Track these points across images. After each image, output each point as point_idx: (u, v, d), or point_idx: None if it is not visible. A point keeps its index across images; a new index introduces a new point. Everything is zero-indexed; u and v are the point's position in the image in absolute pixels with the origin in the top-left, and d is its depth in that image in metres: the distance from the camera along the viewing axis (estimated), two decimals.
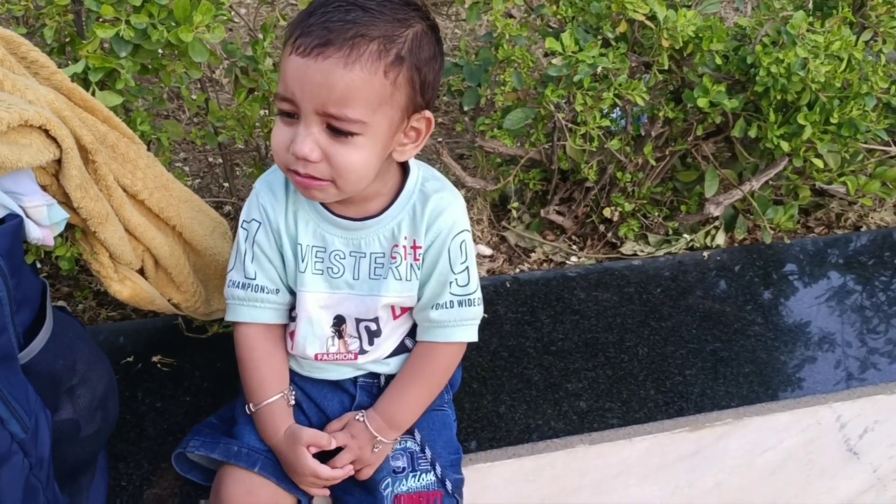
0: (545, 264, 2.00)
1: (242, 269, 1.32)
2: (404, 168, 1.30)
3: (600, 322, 1.78)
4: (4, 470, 1.11)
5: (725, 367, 1.71)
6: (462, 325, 1.32)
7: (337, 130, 1.13)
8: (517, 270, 1.98)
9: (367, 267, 1.29)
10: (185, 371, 1.61)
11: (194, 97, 1.69)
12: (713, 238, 2.02)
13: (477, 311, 1.33)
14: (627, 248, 2.00)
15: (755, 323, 1.82)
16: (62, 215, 1.29)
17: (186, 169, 2.17)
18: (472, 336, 1.35)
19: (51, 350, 1.23)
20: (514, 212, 2.00)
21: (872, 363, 1.75)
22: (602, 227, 2.02)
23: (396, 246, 1.28)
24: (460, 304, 1.31)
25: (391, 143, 1.19)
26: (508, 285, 1.86)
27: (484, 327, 1.73)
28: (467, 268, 1.31)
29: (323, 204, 1.27)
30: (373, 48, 1.10)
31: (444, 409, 1.45)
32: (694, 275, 1.93)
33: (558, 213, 2.02)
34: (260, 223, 1.30)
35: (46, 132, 1.22)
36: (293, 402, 1.35)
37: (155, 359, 1.62)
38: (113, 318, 1.77)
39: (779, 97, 1.75)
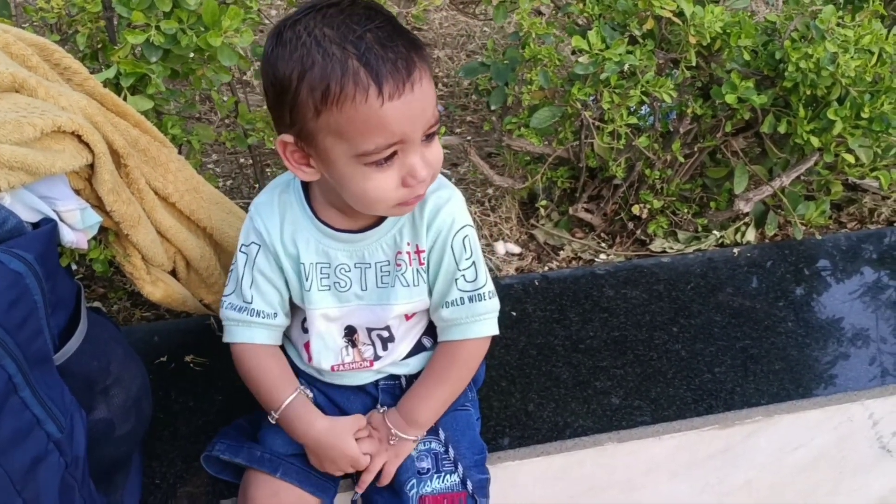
0: (574, 262, 2.00)
1: (240, 293, 1.32)
2: None
3: (629, 320, 1.78)
4: (41, 469, 1.13)
5: (755, 364, 1.70)
6: (477, 321, 1.32)
7: (430, 136, 1.15)
8: (546, 268, 1.98)
9: (373, 277, 1.30)
10: (218, 370, 1.63)
11: (225, 99, 1.71)
12: (743, 234, 2.01)
13: (490, 305, 1.32)
14: (657, 245, 1.99)
15: (786, 320, 1.80)
16: (95, 219, 1.32)
17: (217, 171, 2.20)
18: (490, 330, 1.34)
19: (85, 351, 1.26)
20: (542, 210, 2.00)
21: None
22: (631, 225, 2.02)
23: (400, 253, 1.29)
24: (471, 299, 1.31)
25: None
26: (537, 283, 1.86)
27: (512, 325, 1.75)
28: (473, 262, 1.30)
29: (322, 220, 1.27)
30: (423, 53, 1.13)
31: (468, 409, 1.45)
32: (724, 272, 1.92)
33: (587, 210, 2.02)
34: (259, 245, 1.30)
35: (79, 137, 1.25)
36: (311, 395, 1.35)
37: (188, 358, 1.65)
38: (147, 319, 1.80)
39: (808, 92, 1.74)
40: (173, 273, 1.52)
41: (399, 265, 1.29)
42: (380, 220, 1.28)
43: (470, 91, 2.53)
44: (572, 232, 2.05)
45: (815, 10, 1.75)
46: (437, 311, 1.34)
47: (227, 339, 1.36)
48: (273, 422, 1.34)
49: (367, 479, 1.34)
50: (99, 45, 1.51)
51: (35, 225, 1.21)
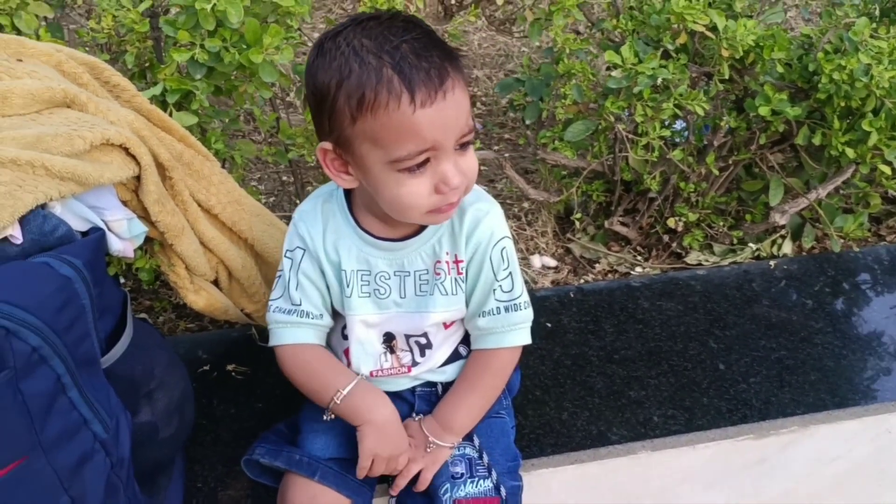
0: (610, 275, 2.02)
1: (288, 296, 1.36)
2: None
3: (664, 331, 1.80)
4: (87, 468, 1.18)
5: (791, 375, 1.70)
6: (512, 330, 1.35)
7: (463, 145, 1.19)
8: (581, 281, 2.00)
9: (412, 285, 1.33)
10: (258, 379, 1.68)
11: (266, 117, 1.76)
12: (780, 247, 2.01)
13: (525, 315, 1.36)
14: (692, 258, 2.01)
15: (823, 332, 1.80)
16: (141, 229, 1.37)
17: (261, 188, 2.26)
18: (524, 340, 1.37)
19: (131, 356, 1.31)
20: (577, 223, 2.02)
21: None
22: (667, 238, 2.03)
23: (439, 262, 1.32)
24: (507, 309, 1.34)
25: None
26: (572, 295, 1.88)
27: (547, 336, 1.77)
28: (510, 273, 1.33)
29: (364, 229, 1.31)
30: (457, 64, 1.17)
31: (502, 416, 1.47)
32: (760, 283, 1.92)
33: (622, 224, 2.04)
34: (304, 250, 1.35)
35: (126, 150, 1.31)
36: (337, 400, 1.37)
37: (230, 367, 1.69)
38: (191, 330, 1.85)
39: (842, 104, 1.75)
40: (216, 283, 1.56)
41: (438, 274, 1.32)
42: (420, 229, 1.31)
43: (507, 109, 2.57)
44: (608, 245, 2.07)
45: (848, 23, 1.76)
46: (473, 319, 1.37)
47: (274, 342, 1.39)
48: (328, 418, 1.35)
49: (401, 483, 1.37)
50: (146, 64, 1.58)
51: (84, 234, 1.26)
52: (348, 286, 1.33)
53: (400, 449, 1.34)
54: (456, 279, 1.33)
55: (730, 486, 1.68)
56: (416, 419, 1.38)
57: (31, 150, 1.18)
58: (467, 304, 1.36)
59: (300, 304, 1.36)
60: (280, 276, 1.38)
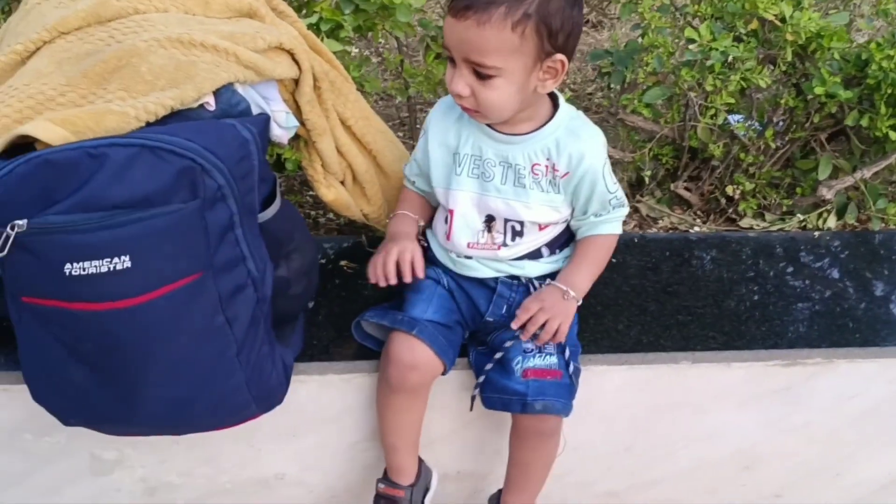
0: (671, 231, 2.30)
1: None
2: (556, 102, 1.64)
3: (713, 274, 2.06)
4: (240, 297, 1.47)
5: (822, 318, 1.95)
6: (616, 220, 1.71)
7: (480, 74, 1.48)
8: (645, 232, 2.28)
9: (512, 175, 1.63)
10: (365, 275, 1.99)
11: (392, 58, 2.09)
12: (825, 221, 2.27)
13: (624, 210, 1.71)
14: (745, 222, 2.27)
15: (855, 290, 2.04)
16: (295, 122, 1.70)
17: None
18: (620, 229, 1.73)
19: (278, 218, 1.62)
20: (646, 180, 2.30)
21: None
22: (724, 202, 2.30)
23: (537, 164, 1.62)
24: (614, 207, 1.68)
25: (529, 81, 1.51)
26: (636, 241, 2.16)
27: (612, 269, 2.04)
28: (615, 183, 1.66)
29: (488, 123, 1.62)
30: (501, 10, 1.42)
31: None
32: (803, 248, 2.18)
33: (686, 189, 2.32)
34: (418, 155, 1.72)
35: (292, 56, 1.64)
36: (423, 243, 1.73)
37: (342, 263, 2.01)
38: (314, 232, 2.17)
39: (890, 91, 2.00)
40: (342, 184, 1.89)
41: (536, 174, 1.62)
42: (529, 132, 1.61)
43: (593, 95, 2.86)
44: (672, 208, 2.35)
45: None
46: (588, 218, 1.68)
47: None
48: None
49: (531, 329, 1.64)
50: (305, 0, 1.92)
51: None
52: (460, 165, 1.64)
53: (390, 244, 1.68)
54: (551, 181, 1.62)
55: (758, 409, 1.93)
56: (546, 283, 1.69)
57: (226, 41, 1.52)
58: (583, 212, 1.67)
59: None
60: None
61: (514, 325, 1.63)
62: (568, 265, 1.71)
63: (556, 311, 1.63)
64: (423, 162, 1.71)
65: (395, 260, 1.65)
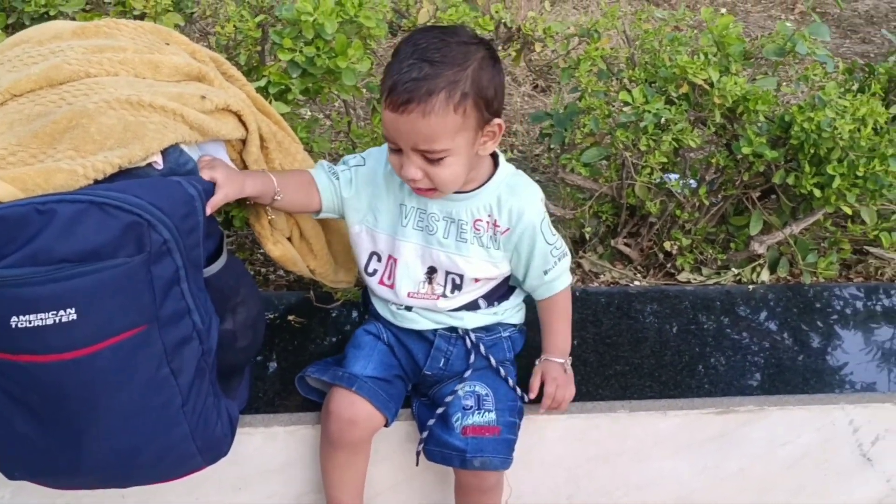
0: (612, 285, 2.38)
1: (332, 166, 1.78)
2: (496, 161, 1.72)
3: (651, 326, 2.14)
4: (186, 348, 1.51)
5: (755, 368, 2.03)
6: (565, 272, 1.78)
7: (430, 158, 1.56)
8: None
9: (455, 230, 1.70)
10: (313, 328, 2.04)
11: (340, 119, 2.17)
12: (758, 274, 2.36)
13: (569, 259, 1.79)
14: (683, 276, 2.36)
15: (787, 338, 2.14)
16: None
17: None
18: (570, 277, 1.82)
19: (224, 273, 1.67)
20: (588, 236, 2.39)
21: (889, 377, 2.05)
22: (662, 258, 2.39)
23: (479, 220, 1.69)
24: (557, 258, 1.75)
25: (473, 149, 1.60)
26: (578, 294, 2.24)
27: None
28: (554, 234, 1.74)
29: None
30: (441, 97, 1.50)
31: (507, 367, 1.82)
32: (738, 300, 2.27)
33: (626, 244, 2.41)
34: (363, 167, 1.76)
35: (239, 117, 1.71)
36: (277, 198, 1.69)
37: (290, 317, 2.06)
38: (263, 288, 2.23)
39: (812, 151, 2.12)
40: (289, 240, 1.94)
41: (477, 229, 1.70)
42: (471, 190, 1.68)
43: (535, 137, 2.96)
44: (613, 263, 2.43)
45: (821, 85, 2.14)
46: (539, 278, 1.75)
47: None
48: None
49: (546, 404, 1.79)
50: (254, 64, 2.00)
51: None
52: (406, 217, 1.71)
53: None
54: (493, 237, 1.70)
55: (694, 456, 1.99)
56: (541, 361, 1.83)
57: (174, 101, 1.58)
58: (527, 267, 1.74)
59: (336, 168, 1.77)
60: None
61: (542, 410, 1.81)
62: (548, 333, 1.83)
63: (563, 381, 1.81)
64: (363, 188, 1.75)
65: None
